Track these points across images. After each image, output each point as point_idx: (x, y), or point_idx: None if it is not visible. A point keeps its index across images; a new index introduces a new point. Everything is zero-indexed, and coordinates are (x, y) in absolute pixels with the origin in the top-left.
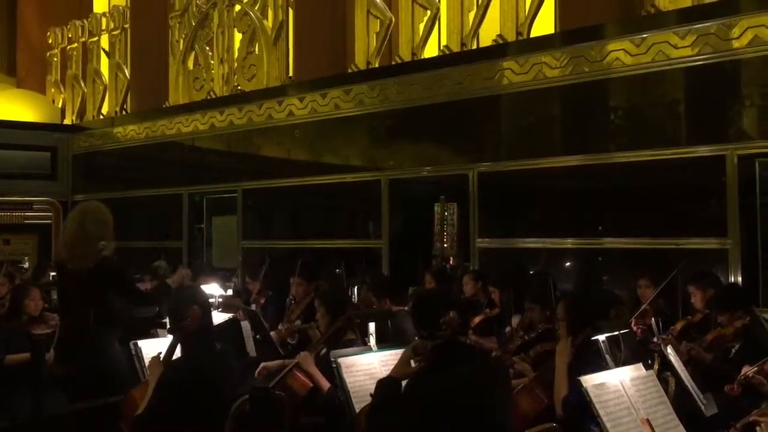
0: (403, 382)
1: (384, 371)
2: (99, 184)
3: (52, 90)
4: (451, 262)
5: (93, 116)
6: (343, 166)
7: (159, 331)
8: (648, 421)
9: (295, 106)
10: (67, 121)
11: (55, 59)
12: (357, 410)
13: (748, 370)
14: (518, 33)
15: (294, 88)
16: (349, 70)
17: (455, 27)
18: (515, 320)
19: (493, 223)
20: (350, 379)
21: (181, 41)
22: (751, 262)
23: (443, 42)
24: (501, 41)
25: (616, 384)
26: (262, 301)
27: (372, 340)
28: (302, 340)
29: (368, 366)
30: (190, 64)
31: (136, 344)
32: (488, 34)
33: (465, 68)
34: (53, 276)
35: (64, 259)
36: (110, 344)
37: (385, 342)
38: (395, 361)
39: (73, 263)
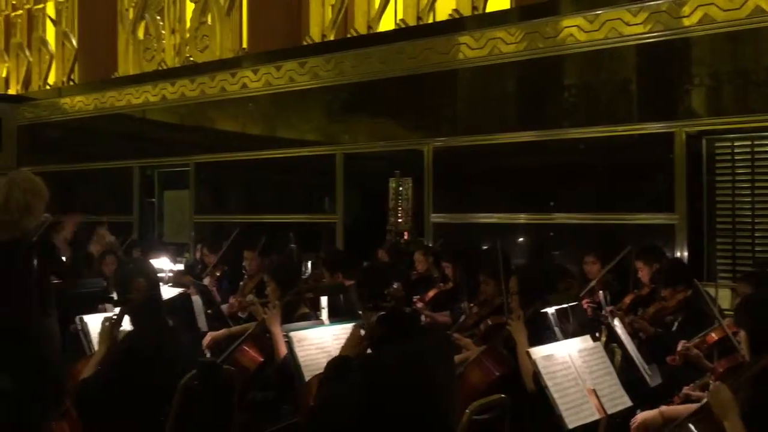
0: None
1: (336, 345)
2: (45, 156)
3: None
4: (405, 236)
5: (39, 86)
6: (297, 140)
7: (106, 306)
8: (594, 391)
9: (248, 78)
10: (11, 91)
11: None
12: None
13: (687, 343)
14: (474, 8)
15: (248, 60)
16: (304, 43)
17: (411, 0)
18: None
19: (448, 198)
20: (301, 352)
21: (131, 10)
22: (696, 237)
23: (399, 15)
24: (457, 16)
25: (564, 356)
26: (218, 274)
27: (324, 315)
28: (252, 314)
29: (320, 340)
30: (141, 34)
31: (81, 319)
32: (444, 8)
33: (421, 42)
34: None
35: None
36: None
37: (337, 316)
38: (347, 335)
39: None
